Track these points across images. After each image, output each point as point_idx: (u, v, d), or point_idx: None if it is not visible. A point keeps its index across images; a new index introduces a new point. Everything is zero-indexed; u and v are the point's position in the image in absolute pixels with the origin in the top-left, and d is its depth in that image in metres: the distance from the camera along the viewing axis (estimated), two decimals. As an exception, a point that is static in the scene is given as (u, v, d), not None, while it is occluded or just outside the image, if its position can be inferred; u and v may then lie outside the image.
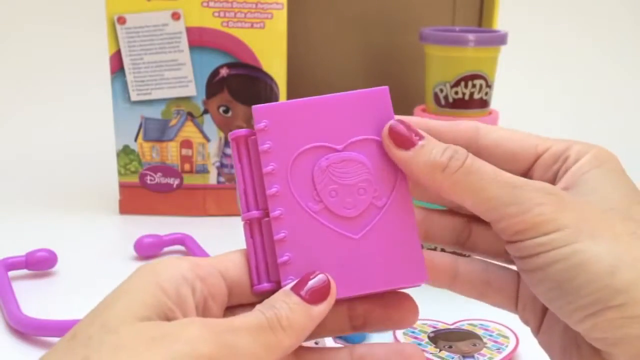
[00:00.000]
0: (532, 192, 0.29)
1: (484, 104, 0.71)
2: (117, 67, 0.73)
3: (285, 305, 0.29)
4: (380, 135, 0.31)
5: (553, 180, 0.32)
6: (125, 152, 0.76)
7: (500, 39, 0.70)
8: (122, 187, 0.77)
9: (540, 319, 0.33)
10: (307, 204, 0.31)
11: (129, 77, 0.73)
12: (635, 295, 0.27)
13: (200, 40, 0.73)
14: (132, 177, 0.76)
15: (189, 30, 0.72)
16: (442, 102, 0.70)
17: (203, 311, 0.29)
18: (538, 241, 0.28)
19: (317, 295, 0.29)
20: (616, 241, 0.28)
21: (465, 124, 0.33)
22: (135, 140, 0.75)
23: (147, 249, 0.66)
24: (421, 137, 0.31)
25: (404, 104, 0.83)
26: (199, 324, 0.27)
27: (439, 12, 0.85)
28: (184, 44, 0.73)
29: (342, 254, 0.31)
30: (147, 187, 0.77)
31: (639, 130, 1.13)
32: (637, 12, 1.24)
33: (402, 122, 0.31)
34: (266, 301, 0.29)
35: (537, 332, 0.34)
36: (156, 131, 0.75)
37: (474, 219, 0.34)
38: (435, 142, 0.31)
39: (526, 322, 0.34)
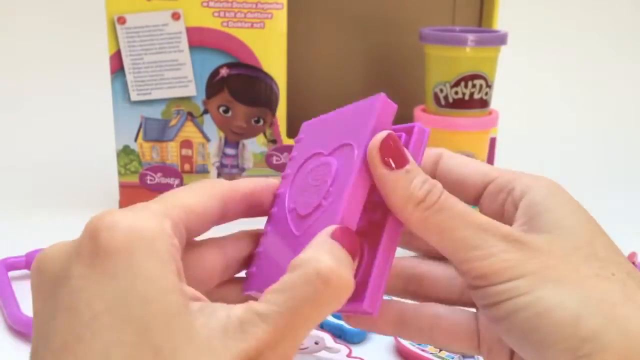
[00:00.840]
0: (498, 237, 0.28)
1: (484, 104, 0.71)
2: (117, 67, 0.73)
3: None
4: (358, 141, 0.29)
5: (502, 211, 0.31)
6: (125, 152, 0.76)
7: (500, 39, 0.70)
8: (122, 187, 0.77)
9: None
10: (288, 204, 0.31)
11: (129, 77, 0.73)
12: (603, 342, 0.26)
13: (200, 40, 0.73)
14: (132, 177, 0.76)
15: (189, 30, 0.72)
16: (442, 102, 0.70)
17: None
18: (501, 288, 0.27)
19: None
20: (580, 286, 0.27)
21: (432, 151, 0.33)
22: (135, 140, 0.75)
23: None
24: (407, 161, 0.29)
25: (404, 104, 0.82)
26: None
27: (439, 12, 0.85)
28: (184, 44, 0.73)
29: (289, 254, 0.29)
30: (147, 187, 0.77)
31: (639, 130, 1.13)
32: (637, 12, 1.24)
33: (394, 138, 0.29)
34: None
35: None
36: (156, 131, 0.75)
37: (424, 264, 0.34)
38: (418, 170, 0.30)
39: None
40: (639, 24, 1.25)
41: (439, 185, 0.29)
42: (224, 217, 0.30)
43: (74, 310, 0.24)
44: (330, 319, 0.52)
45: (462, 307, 0.33)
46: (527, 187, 0.31)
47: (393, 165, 0.28)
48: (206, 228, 0.29)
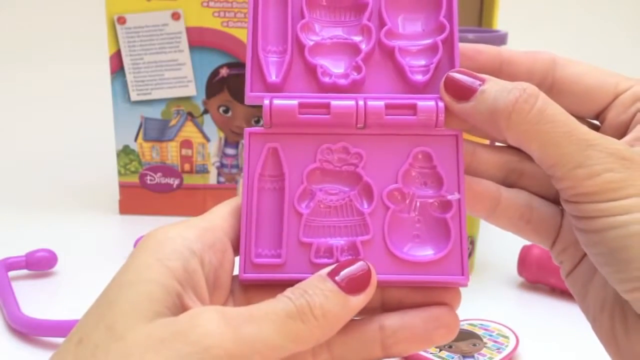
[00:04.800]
0: (604, 155, 0.27)
1: (484, 104, 0.71)
2: (117, 67, 0.73)
3: (319, 291, 0.26)
4: None
5: (629, 123, 0.30)
6: (125, 152, 0.76)
7: (500, 39, 0.70)
8: (122, 187, 0.77)
9: (575, 264, 0.31)
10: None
11: (129, 77, 0.73)
12: None
13: (200, 40, 0.73)
14: (132, 177, 0.76)
15: (189, 30, 0.72)
16: (442, 102, 0.70)
17: (213, 282, 0.28)
18: (601, 206, 0.26)
19: (356, 285, 0.27)
20: None
21: (542, 55, 0.31)
22: (135, 140, 0.75)
23: (147, 249, 0.66)
24: (482, 81, 0.28)
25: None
26: (212, 317, 0.25)
27: (439, 12, 0.85)
28: (184, 44, 0.73)
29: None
30: (147, 187, 0.77)
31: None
32: (637, 12, 1.24)
33: (460, 70, 0.29)
34: (297, 286, 0.27)
35: (567, 274, 0.32)
36: (156, 131, 0.75)
37: (527, 158, 0.31)
38: (499, 82, 0.28)
39: (559, 263, 0.32)
40: (639, 24, 1.25)
41: (532, 87, 0.28)
42: None
43: None
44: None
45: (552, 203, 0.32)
46: None
47: (469, 94, 0.28)
48: None
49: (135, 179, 0.76)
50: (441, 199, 0.31)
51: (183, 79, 0.74)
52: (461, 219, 0.30)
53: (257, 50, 0.32)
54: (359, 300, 0.27)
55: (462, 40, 0.74)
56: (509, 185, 0.32)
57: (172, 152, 0.76)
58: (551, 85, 0.30)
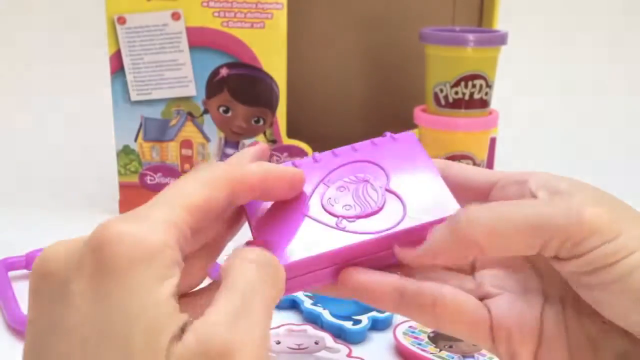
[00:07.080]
0: (573, 196, 0.27)
1: (484, 104, 0.71)
2: (117, 67, 0.73)
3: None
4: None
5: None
6: (125, 152, 0.76)
7: (500, 39, 0.70)
8: (122, 187, 0.77)
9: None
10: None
11: (129, 77, 0.73)
12: None
13: (200, 40, 0.73)
14: (132, 177, 0.76)
15: (189, 30, 0.72)
16: (442, 102, 0.70)
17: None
18: (605, 250, 0.25)
19: None
20: None
21: (438, 163, 0.35)
22: (135, 140, 0.75)
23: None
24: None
25: (404, 104, 0.83)
26: (216, 325, 0.23)
27: (439, 12, 0.85)
28: (184, 44, 0.73)
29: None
30: (147, 187, 0.77)
31: (639, 130, 1.13)
32: (637, 12, 1.24)
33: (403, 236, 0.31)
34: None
35: None
36: (156, 131, 0.75)
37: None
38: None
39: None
40: (638, 24, 1.25)
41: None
42: (229, 206, 0.29)
43: (69, 331, 0.23)
44: (331, 319, 0.52)
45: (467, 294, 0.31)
46: (540, 179, 0.31)
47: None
48: (211, 222, 0.28)
49: (135, 179, 0.76)
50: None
51: (183, 79, 0.74)
52: None
53: None
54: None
55: (462, 40, 0.74)
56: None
57: (172, 152, 0.76)
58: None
